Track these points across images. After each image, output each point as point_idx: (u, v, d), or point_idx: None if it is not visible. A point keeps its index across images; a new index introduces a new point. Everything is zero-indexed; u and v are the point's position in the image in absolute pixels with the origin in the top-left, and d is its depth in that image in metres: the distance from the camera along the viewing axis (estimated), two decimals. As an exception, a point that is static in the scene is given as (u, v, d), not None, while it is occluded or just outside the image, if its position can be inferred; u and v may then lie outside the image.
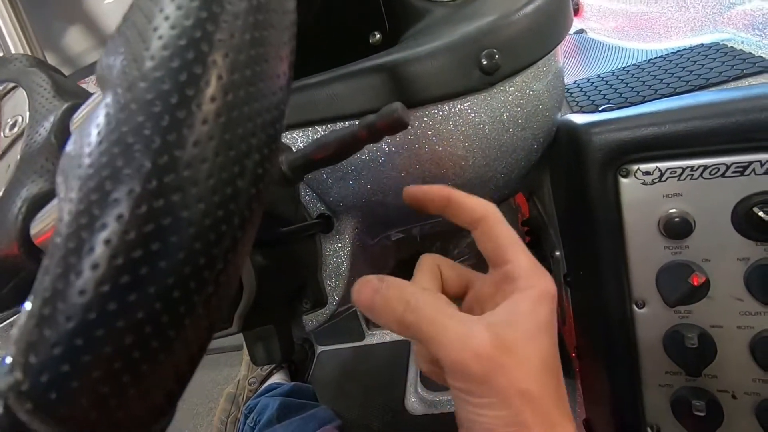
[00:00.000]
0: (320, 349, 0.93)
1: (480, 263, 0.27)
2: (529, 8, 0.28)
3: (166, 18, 0.11)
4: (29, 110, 0.18)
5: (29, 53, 0.23)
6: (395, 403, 0.72)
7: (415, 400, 0.74)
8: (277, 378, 0.84)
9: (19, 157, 0.17)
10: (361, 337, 0.89)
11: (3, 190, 0.17)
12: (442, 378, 0.21)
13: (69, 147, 0.11)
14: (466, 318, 0.20)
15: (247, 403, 0.75)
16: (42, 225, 0.15)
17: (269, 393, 0.74)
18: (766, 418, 0.29)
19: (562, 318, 0.48)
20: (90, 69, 0.33)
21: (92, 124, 0.11)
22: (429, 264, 0.25)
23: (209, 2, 0.11)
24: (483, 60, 0.27)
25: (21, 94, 0.20)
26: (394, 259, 0.52)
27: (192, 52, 0.10)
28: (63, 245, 0.09)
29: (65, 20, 0.30)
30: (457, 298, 0.25)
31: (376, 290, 0.21)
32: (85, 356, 0.09)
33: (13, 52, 0.23)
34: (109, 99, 0.11)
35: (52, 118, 0.17)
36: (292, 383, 0.78)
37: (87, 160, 0.10)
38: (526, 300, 0.20)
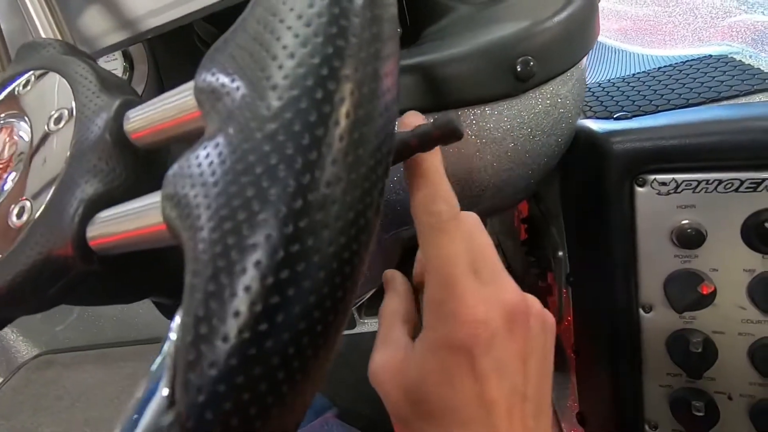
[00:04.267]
0: (310, 335, 0.93)
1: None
2: (563, 15, 0.28)
3: (291, 56, 0.10)
4: (76, 104, 0.17)
5: (59, 37, 0.22)
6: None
7: (406, 388, 0.75)
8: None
9: (69, 153, 0.17)
10: (353, 326, 0.90)
11: (54, 187, 0.16)
12: None
13: (185, 169, 0.11)
14: (392, 340, 0.22)
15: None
16: (102, 230, 0.15)
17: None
18: (759, 418, 0.31)
19: (559, 316, 0.49)
20: (106, 51, 0.31)
21: (214, 153, 0.10)
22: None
23: (334, 37, 0.10)
24: (518, 66, 0.27)
25: (57, 84, 0.19)
26: (403, 249, 0.52)
27: (320, 92, 0.10)
28: (203, 288, 0.09)
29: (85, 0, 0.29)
30: None
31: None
32: (244, 395, 0.09)
33: (43, 36, 0.22)
34: (233, 134, 0.10)
35: (104, 115, 0.16)
36: (284, 370, 0.79)
37: (217, 201, 0.10)
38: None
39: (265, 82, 0.10)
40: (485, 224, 0.74)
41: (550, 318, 0.23)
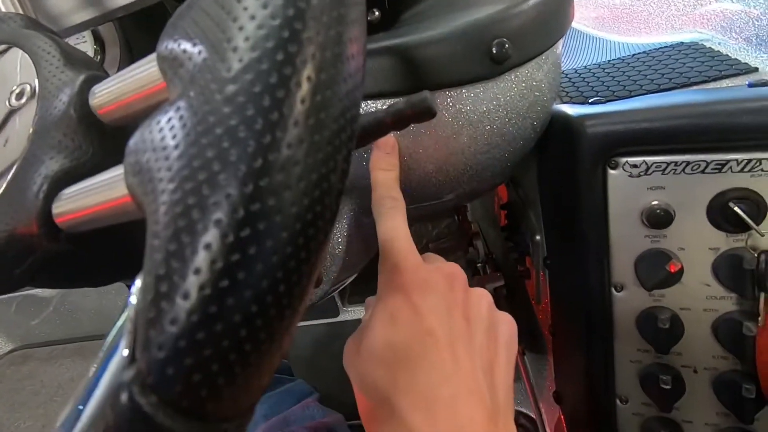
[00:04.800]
0: (293, 324, 0.93)
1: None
2: (538, -1, 0.28)
3: (252, 17, 0.10)
4: (39, 79, 0.17)
5: (19, 11, 0.21)
6: (371, 376, 0.74)
7: (389, 373, 0.76)
8: (250, 353, 0.83)
9: (32, 130, 0.16)
10: (336, 314, 0.90)
11: (17, 165, 0.16)
12: None
13: (146, 135, 0.11)
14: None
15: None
16: (68, 206, 0.15)
17: (244, 368, 0.74)
18: (721, 389, 0.32)
19: (537, 298, 0.50)
20: (73, 30, 0.30)
21: (175, 117, 0.10)
22: None
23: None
24: (493, 49, 0.27)
25: (20, 59, 0.18)
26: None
27: (281, 54, 0.10)
28: (164, 248, 0.09)
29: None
30: None
31: None
32: (205, 351, 0.09)
33: (3, 10, 0.21)
34: (194, 96, 0.10)
35: (68, 91, 0.16)
36: (267, 358, 0.79)
37: (178, 163, 0.10)
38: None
39: (225, 44, 0.10)
40: (466, 210, 0.75)
41: (507, 319, 0.24)
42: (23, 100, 0.17)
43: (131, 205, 0.12)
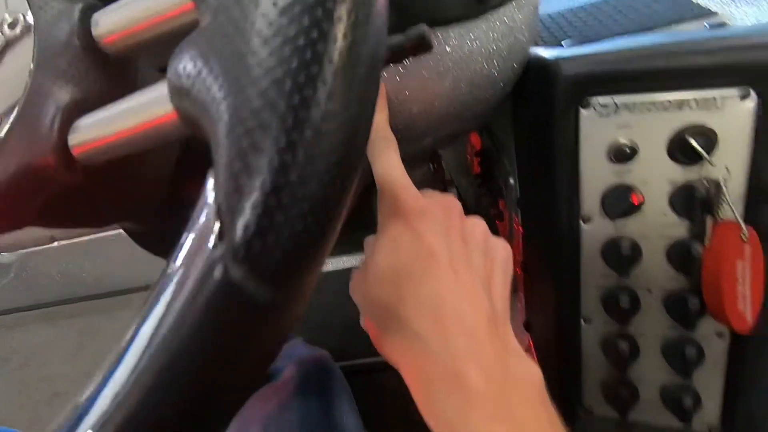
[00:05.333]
0: (271, 278, 0.94)
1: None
2: (519, -64, 0.29)
3: None
4: (32, 8, 0.16)
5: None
6: (352, 322, 0.78)
7: (368, 319, 0.79)
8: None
9: (33, 64, 0.16)
10: (313, 266, 0.92)
11: (23, 98, 0.15)
12: None
13: (194, 51, 0.11)
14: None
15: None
16: (89, 135, 0.15)
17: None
18: (671, 306, 0.37)
19: (509, 237, 0.54)
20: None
21: (216, 59, 0.11)
22: None
23: None
24: (477, -13, 0.28)
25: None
26: (363, 183, 0.53)
27: (319, 9, 0.11)
28: (236, 146, 0.11)
29: None
30: None
31: None
32: (284, 231, 0.10)
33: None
34: (244, 10, 0.11)
35: (67, 20, 0.15)
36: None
37: (229, 116, 0.11)
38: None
39: None
40: (441, 159, 0.76)
41: (502, 243, 0.27)
42: (18, 30, 0.16)
43: (173, 123, 0.12)
